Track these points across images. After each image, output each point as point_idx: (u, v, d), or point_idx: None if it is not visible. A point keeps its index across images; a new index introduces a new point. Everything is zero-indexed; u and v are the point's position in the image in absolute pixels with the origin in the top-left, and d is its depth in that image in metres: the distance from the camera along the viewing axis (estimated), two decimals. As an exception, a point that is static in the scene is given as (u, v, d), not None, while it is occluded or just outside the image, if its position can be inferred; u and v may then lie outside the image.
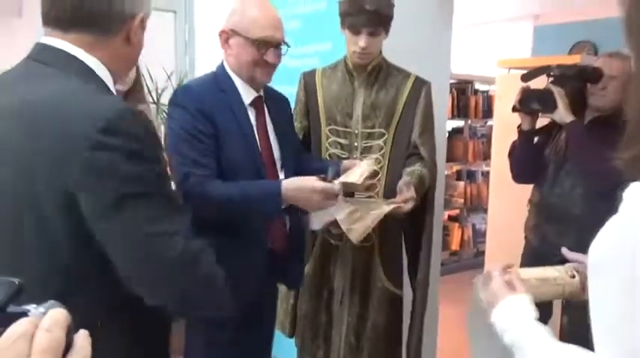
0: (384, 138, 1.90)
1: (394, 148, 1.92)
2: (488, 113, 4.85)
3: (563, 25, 6.36)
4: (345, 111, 1.91)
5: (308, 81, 2.01)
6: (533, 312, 0.96)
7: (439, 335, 2.69)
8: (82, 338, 0.47)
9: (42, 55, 1.01)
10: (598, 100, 2.08)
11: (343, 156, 1.91)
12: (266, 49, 1.59)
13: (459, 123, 5.01)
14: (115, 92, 1.09)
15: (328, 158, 1.94)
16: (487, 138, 4.95)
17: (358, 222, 1.71)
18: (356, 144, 1.91)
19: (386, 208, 1.72)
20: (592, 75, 2.05)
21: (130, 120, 0.95)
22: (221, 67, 1.67)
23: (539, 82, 2.15)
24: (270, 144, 1.71)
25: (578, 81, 2.10)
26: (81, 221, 0.91)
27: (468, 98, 4.84)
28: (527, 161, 2.26)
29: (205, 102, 1.57)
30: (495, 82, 3.67)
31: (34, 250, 0.94)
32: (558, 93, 2.06)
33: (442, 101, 2.43)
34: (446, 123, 3.01)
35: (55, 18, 1.01)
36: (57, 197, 0.91)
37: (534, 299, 1.00)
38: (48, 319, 0.45)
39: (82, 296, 0.91)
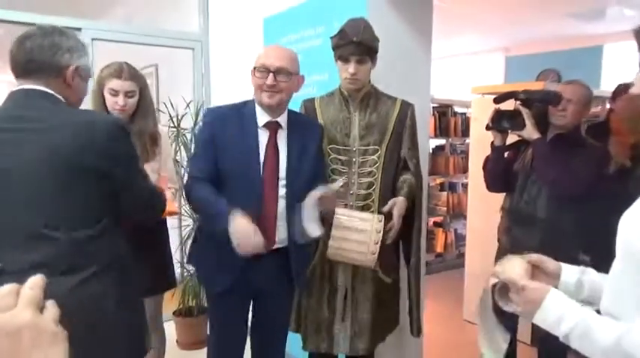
0: (378, 153, 1.96)
1: (386, 161, 1.98)
2: (466, 132, 4.91)
3: (531, 55, 6.45)
4: (343, 132, 1.97)
5: (308, 107, 2.06)
6: (574, 301, 0.95)
7: (425, 326, 2.70)
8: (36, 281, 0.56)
9: (27, 92, 1.30)
10: (559, 120, 2.16)
11: (343, 170, 1.96)
12: (266, 75, 1.70)
13: (441, 141, 5.10)
14: None
15: (330, 173, 1.96)
16: (466, 154, 5.02)
17: (342, 241, 1.80)
18: (354, 159, 1.96)
19: (371, 238, 1.80)
20: (553, 98, 2.12)
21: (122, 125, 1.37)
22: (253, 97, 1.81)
23: (509, 105, 2.21)
24: (278, 162, 1.76)
25: (541, 103, 2.17)
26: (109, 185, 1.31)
27: (448, 119, 4.93)
28: (499, 172, 2.31)
29: (219, 119, 1.76)
30: (471, 106, 3.72)
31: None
32: (526, 113, 2.14)
33: (424, 122, 2.48)
34: (429, 141, 3.06)
35: (19, 70, 1.31)
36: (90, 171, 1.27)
37: None
38: (29, 281, 0.55)
39: (102, 242, 1.30)
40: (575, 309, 0.93)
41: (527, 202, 2.21)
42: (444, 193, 4.96)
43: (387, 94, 2.03)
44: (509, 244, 2.26)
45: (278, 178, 1.76)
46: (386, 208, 1.89)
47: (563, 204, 2.11)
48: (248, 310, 1.92)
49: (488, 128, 2.25)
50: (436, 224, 5.04)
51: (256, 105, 1.78)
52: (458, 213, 4.94)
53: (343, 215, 1.83)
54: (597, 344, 0.87)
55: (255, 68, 1.73)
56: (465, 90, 4.41)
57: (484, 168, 2.39)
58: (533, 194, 2.20)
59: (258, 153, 1.73)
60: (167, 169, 2.20)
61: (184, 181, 1.74)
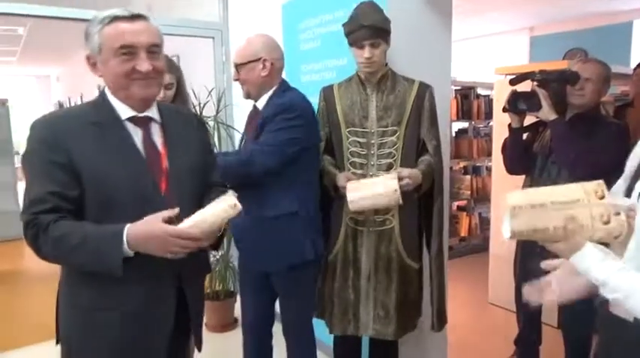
0: (397, 134, 1.96)
1: (406, 143, 1.97)
2: (489, 115, 4.85)
3: (557, 34, 6.28)
4: (361, 114, 1.97)
5: (327, 94, 2.07)
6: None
7: (449, 310, 2.71)
8: None
9: None
10: (577, 99, 2.13)
11: (362, 152, 1.97)
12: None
13: (464, 124, 5.04)
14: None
15: (350, 156, 1.98)
16: (489, 136, 4.96)
17: (358, 191, 1.82)
18: (372, 141, 1.96)
19: (382, 188, 1.80)
20: (570, 78, 2.10)
21: None
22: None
23: (526, 86, 2.18)
24: None
25: (558, 83, 2.13)
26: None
27: (471, 102, 4.86)
28: (518, 155, 2.29)
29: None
30: (494, 88, 3.66)
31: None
32: (542, 94, 2.10)
33: (445, 105, 2.45)
34: (450, 124, 3.03)
35: None
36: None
37: None
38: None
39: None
40: (616, 259, 0.97)
41: (547, 183, 2.17)
42: (468, 177, 4.91)
43: (404, 76, 2.03)
44: None
45: None
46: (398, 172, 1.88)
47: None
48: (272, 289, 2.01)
49: (504, 110, 2.23)
50: (460, 208, 5.01)
51: None
52: (482, 196, 4.89)
53: (351, 183, 1.86)
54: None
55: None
56: (488, 72, 4.34)
57: (503, 151, 2.37)
58: (553, 175, 2.17)
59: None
60: None
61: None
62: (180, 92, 2.15)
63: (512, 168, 2.37)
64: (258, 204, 1.87)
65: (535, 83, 2.16)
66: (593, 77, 2.10)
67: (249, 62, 1.89)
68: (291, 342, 2.06)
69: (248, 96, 1.97)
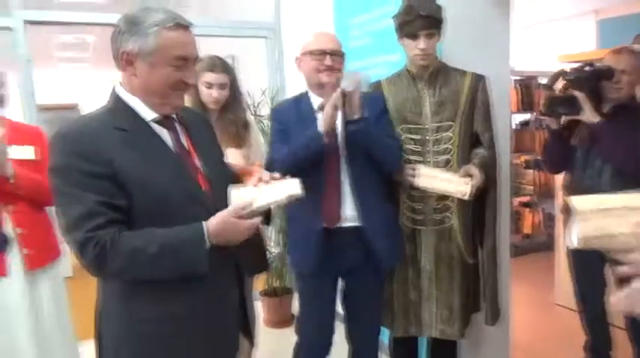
0: (452, 129, 1.91)
1: (462, 137, 1.93)
2: (553, 105, 4.61)
3: (627, 16, 5.87)
4: (414, 111, 1.93)
5: (375, 90, 2.01)
6: None
7: (513, 311, 2.61)
8: None
9: None
10: (614, 93, 2.10)
11: (417, 149, 1.93)
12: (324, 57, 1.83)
13: (525, 116, 4.85)
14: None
15: (404, 154, 1.93)
16: (544, 120, 4.72)
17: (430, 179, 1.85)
18: (428, 137, 1.92)
19: (453, 187, 1.81)
20: (606, 74, 2.06)
21: None
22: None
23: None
24: (336, 136, 1.82)
25: (593, 80, 2.08)
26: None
27: (532, 92, 4.66)
28: (559, 154, 2.28)
29: (284, 112, 1.94)
30: (558, 76, 3.48)
31: None
32: (581, 97, 2.05)
33: (504, 96, 2.37)
34: (510, 117, 2.91)
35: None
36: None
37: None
38: None
39: None
40: None
41: (592, 176, 2.14)
42: (530, 171, 4.72)
43: (455, 68, 1.98)
44: None
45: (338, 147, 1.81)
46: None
47: (628, 176, 2.02)
48: (335, 290, 1.97)
49: (542, 114, 2.21)
50: (523, 204, 4.82)
51: (310, 94, 1.88)
52: (546, 191, 4.68)
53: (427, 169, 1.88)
54: None
55: (310, 52, 1.81)
56: (551, 60, 4.13)
57: (543, 152, 2.39)
58: (596, 168, 2.13)
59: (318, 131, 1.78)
60: (260, 156, 2.28)
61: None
62: (233, 92, 2.20)
63: (553, 168, 2.40)
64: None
65: (566, 82, 2.14)
66: (628, 68, 2.07)
67: (341, 54, 1.85)
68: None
69: (334, 86, 1.77)
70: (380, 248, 1.83)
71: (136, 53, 1.16)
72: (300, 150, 1.74)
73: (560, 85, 2.18)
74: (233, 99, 2.20)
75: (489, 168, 1.96)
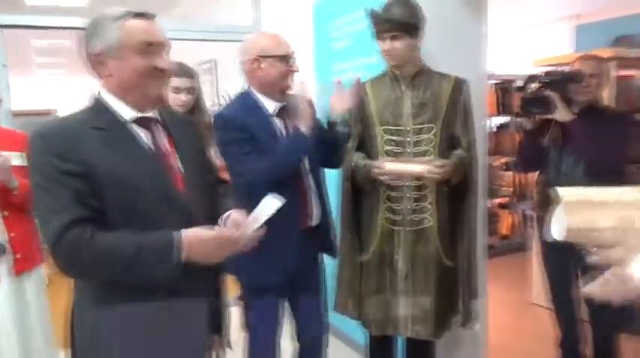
0: (433, 131, 1.94)
1: (442, 140, 1.96)
2: (531, 108, 4.71)
3: (605, 21, 6.01)
4: (395, 112, 1.96)
5: (360, 91, 2.04)
6: None
7: (490, 310, 2.66)
8: None
9: None
10: (583, 95, 2.23)
11: (397, 150, 1.95)
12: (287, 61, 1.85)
13: (504, 119, 4.92)
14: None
15: (385, 154, 1.96)
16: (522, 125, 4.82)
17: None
18: (408, 139, 1.94)
19: (420, 167, 1.84)
20: (576, 77, 2.20)
21: None
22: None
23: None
24: None
25: (564, 83, 2.21)
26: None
27: (511, 96, 4.73)
28: (533, 153, 2.38)
29: (241, 114, 1.82)
30: (534, 80, 3.56)
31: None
32: (555, 96, 2.17)
33: (481, 99, 2.41)
34: (486, 120, 2.97)
35: None
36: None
37: None
38: None
39: None
40: None
41: (566, 173, 2.25)
42: (510, 173, 4.80)
43: (438, 71, 2.01)
44: None
45: None
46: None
47: (599, 173, 2.08)
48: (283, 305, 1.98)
49: (517, 115, 2.36)
50: (501, 205, 4.89)
51: (259, 95, 1.85)
52: (524, 193, 4.77)
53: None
54: None
55: (275, 57, 1.80)
56: (529, 64, 4.23)
57: (518, 152, 2.53)
58: (570, 165, 2.25)
59: (277, 137, 1.82)
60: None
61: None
62: (197, 96, 2.31)
63: (527, 168, 2.54)
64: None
65: (540, 85, 2.24)
66: (597, 72, 2.23)
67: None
68: None
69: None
70: (332, 240, 2.02)
71: (104, 52, 1.18)
72: (289, 156, 1.77)
73: (533, 86, 2.27)
74: (197, 103, 2.31)
75: (467, 169, 2.00)
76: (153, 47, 1.20)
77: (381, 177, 1.89)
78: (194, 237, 1.15)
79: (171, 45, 1.26)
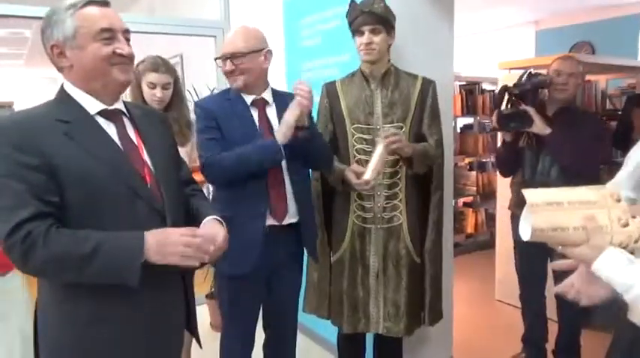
0: (403, 130, 1.96)
1: (411, 139, 1.98)
2: (494, 110, 4.81)
3: (563, 27, 6.23)
4: (366, 111, 1.98)
5: (330, 89, 2.07)
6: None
7: (455, 307, 2.71)
8: None
9: None
10: (560, 94, 2.31)
11: (368, 149, 1.96)
12: (224, 62, 1.85)
13: (469, 120, 5.02)
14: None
15: (355, 153, 1.99)
16: (495, 132, 4.92)
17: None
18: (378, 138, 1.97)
19: (380, 146, 1.84)
20: (544, 82, 2.29)
21: None
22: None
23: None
24: (272, 133, 1.84)
25: (535, 90, 2.29)
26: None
27: (476, 97, 4.84)
28: (511, 160, 2.44)
29: (214, 106, 1.86)
30: (498, 83, 3.65)
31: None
32: (532, 111, 2.24)
33: (448, 100, 2.45)
34: (452, 120, 3.03)
35: None
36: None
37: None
38: None
39: None
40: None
41: (542, 174, 2.32)
42: (473, 173, 4.90)
43: (407, 72, 2.04)
44: None
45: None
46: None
47: (574, 174, 2.19)
48: (263, 292, 1.96)
49: (494, 130, 2.41)
50: (466, 204, 5.00)
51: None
52: (488, 192, 4.87)
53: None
54: None
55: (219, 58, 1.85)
56: (493, 67, 4.33)
57: (497, 158, 2.58)
58: (546, 165, 2.31)
59: (255, 129, 1.83)
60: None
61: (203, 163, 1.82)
62: (177, 92, 2.24)
63: (506, 172, 2.54)
64: None
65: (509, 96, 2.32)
66: (575, 71, 2.30)
67: (253, 52, 1.80)
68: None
69: (244, 87, 1.83)
70: (311, 240, 1.99)
71: (62, 42, 1.16)
72: (253, 160, 1.74)
73: (505, 98, 2.33)
74: (176, 98, 2.25)
75: (433, 163, 2.03)
76: (110, 33, 1.17)
77: (366, 187, 1.85)
78: (161, 238, 1.12)
79: (129, 30, 1.24)
